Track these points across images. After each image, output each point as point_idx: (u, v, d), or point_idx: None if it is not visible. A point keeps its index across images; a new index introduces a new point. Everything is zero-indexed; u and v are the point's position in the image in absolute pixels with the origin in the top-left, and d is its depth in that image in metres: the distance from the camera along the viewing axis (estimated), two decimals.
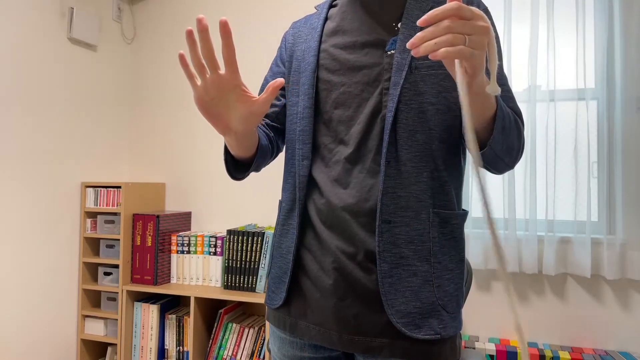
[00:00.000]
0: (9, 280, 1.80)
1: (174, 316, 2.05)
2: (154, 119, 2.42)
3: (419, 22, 0.54)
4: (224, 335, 1.96)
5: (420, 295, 0.73)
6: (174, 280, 2.12)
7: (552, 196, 1.76)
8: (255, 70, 2.23)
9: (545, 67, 1.82)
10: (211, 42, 0.61)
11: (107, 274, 2.13)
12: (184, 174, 2.34)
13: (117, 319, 2.10)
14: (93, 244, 2.19)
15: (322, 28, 0.86)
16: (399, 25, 0.78)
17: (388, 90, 0.76)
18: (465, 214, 0.80)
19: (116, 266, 2.14)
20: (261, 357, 1.90)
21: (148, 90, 2.44)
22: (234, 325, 1.96)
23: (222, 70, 0.64)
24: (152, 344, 2.06)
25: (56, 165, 2.02)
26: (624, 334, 1.71)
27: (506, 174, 1.82)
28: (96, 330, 2.12)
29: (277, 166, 2.15)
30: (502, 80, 0.78)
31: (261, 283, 1.94)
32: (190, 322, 1.96)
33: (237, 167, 0.85)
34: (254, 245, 1.96)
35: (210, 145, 2.30)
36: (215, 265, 2.05)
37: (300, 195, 0.81)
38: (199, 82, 0.65)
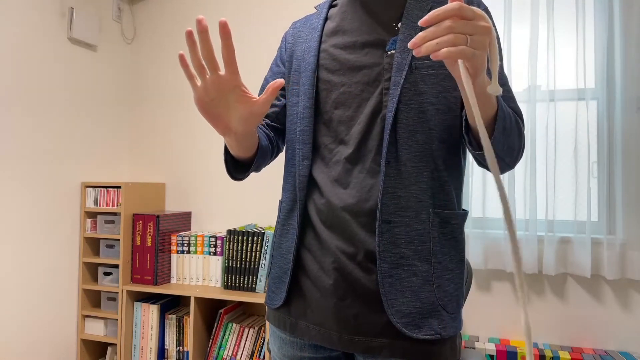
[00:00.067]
0: (9, 280, 1.80)
1: (174, 316, 2.05)
2: (154, 119, 2.42)
3: (420, 22, 0.54)
4: (224, 335, 1.96)
5: (420, 295, 0.73)
6: (174, 280, 2.12)
7: (552, 196, 1.76)
8: (255, 70, 2.23)
9: (545, 67, 1.82)
10: (211, 43, 0.61)
11: (107, 274, 2.13)
12: (184, 174, 2.34)
13: (117, 319, 2.10)
14: (93, 244, 2.19)
15: (322, 28, 0.86)
16: (399, 25, 0.78)
17: (388, 90, 0.76)
18: (465, 214, 0.80)
19: (116, 266, 2.14)
20: (261, 357, 1.90)
21: (148, 90, 2.44)
22: (234, 325, 1.96)
23: (222, 71, 0.64)
24: (152, 344, 2.06)
25: (56, 165, 2.01)
26: (624, 334, 1.71)
27: (506, 174, 1.82)
28: (96, 330, 2.12)
29: (277, 166, 2.15)
30: (503, 80, 0.78)
31: (261, 283, 1.94)
32: (190, 322, 1.96)
33: (237, 168, 0.85)
34: (254, 245, 1.96)
35: (210, 145, 2.30)
36: (215, 265, 2.05)
37: (300, 195, 0.81)
38: (199, 82, 0.65)
